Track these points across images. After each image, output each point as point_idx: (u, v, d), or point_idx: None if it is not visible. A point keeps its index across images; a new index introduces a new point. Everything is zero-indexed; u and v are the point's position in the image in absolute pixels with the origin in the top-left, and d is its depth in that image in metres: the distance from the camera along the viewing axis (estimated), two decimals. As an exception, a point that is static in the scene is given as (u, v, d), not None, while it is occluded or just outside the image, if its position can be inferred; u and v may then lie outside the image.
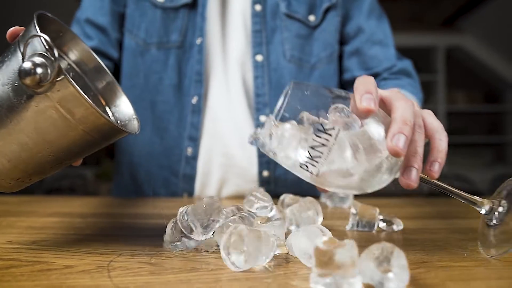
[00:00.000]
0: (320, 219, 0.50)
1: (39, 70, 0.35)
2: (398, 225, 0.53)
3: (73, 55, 0.51)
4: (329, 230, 0.38)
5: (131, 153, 0.87)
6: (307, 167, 0.38)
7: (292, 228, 0.51)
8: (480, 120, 5.04)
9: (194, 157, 0.83)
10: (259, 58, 0.80)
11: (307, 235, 0.36)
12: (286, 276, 0.34)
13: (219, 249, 0.36)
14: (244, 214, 0.42)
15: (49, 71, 0.36)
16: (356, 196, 0.71)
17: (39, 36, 0.36)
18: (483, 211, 0.41)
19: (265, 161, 0.82)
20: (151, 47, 0.82)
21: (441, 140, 0.40)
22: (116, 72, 0.89)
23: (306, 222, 0.50)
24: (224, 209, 0.42)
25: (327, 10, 0.84)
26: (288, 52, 0.81)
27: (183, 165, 0.82)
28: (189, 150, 0.82)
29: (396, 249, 0.30)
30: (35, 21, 0.38)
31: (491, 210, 0.40)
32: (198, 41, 0.80)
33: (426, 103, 4.91)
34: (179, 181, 0.83)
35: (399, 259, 0.29)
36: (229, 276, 0.34)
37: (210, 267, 0.36)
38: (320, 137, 0.37)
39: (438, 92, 4.80)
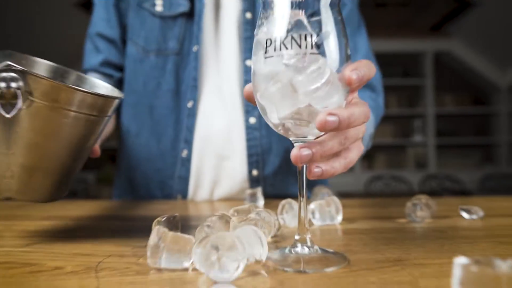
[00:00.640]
0: (340, 217, 0.59)
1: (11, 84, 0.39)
2: (477, 213, 0.61)
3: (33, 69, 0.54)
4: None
5: (129, 156, 0.91)
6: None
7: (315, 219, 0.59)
8: (468, 122, 5.11)
9: (189, 159, 0.86)
10: (249, 63, 0.84)
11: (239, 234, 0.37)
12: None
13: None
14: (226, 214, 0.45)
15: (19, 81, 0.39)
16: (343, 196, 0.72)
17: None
18: None
19: (255, 161, 0.85)
20: (150, 54, 0.86)
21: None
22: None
23: (327, 217, 0.59)
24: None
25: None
26: None
27: (179, 167, 0.86)
28: (185, 152, 0.85)
29: (230, 239, 0.33)
30: None
31: None
32: (195, 48, 0.84)
33: (416, 107, 4.97)
34: (174, 183, 0.86)
35: (230, 249, 0.32)
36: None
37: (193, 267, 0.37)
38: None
39: (427, 96, 4.86)
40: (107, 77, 0.91)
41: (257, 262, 0.38)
